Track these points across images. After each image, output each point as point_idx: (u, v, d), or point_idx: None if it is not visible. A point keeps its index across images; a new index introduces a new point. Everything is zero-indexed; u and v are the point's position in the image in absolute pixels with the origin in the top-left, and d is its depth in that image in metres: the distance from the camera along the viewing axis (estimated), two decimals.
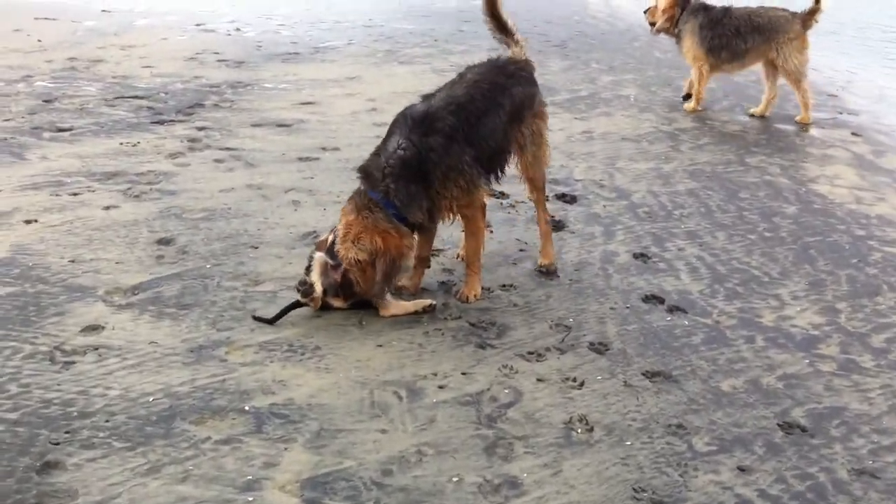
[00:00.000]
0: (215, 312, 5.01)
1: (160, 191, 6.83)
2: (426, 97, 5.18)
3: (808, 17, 9.14)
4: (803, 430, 4.18)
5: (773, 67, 9.46)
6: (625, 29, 14.83)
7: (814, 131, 9.32)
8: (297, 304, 5.00)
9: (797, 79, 9.41)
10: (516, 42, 5.71)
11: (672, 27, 9.88)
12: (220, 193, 6.82)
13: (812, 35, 9.21)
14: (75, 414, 4.03)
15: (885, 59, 13.69)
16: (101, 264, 5.54)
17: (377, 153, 5.00)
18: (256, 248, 5.89)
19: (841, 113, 10.12)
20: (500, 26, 5.76)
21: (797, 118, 9.61)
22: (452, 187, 4.97)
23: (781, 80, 9.58)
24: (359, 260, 4.85)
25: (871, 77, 12.30)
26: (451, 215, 5.22)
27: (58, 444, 3.81)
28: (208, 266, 5.58)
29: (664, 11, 9.89)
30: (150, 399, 4.16)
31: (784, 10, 9.36)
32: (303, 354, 4.62)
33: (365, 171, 4.99)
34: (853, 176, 7.91)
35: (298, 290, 5.00)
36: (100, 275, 5.39)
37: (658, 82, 11.00)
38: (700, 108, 9.89)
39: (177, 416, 4.03)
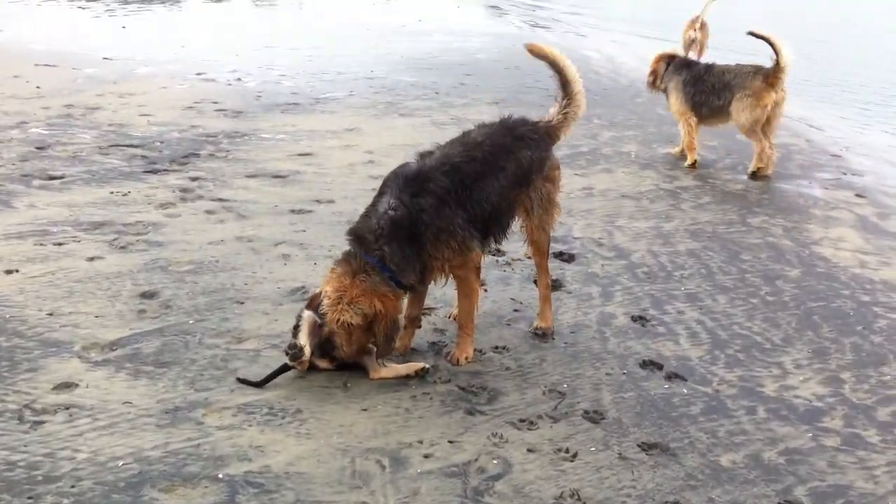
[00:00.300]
0: (195, 371, 4.82)
1: (147, 242, 6.68)
2: (423, 155, 5.04)
3: (773, 74, 9.12)
4: None
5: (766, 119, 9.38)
6: (627, 85, 14.79)
7: (817, 191, 9.17)
8: (285, 368, 4.81)
9: (748, 132, 9.44)
10: (564, 106, 5.49)
11: (658, 83, 10.12)
12: (208, 245, 6.66)
13: (782, 91, 9.20)
14: (40, 478, 3.84)
15: (890, 118, 13.61)
16: (80, 318, 5.36)
17: (367, 215, 4.84)
18: (242, 303, 5.71)
19: (845, 174, 9.98)
20: (563, 83, 5.53)
21: (750, 169, 9.69)
22: (444, 249, 4.82)
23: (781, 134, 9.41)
24: (350, 323, 4.67)
25: (875, 137, 12.19)
26: (443, 276, 5.05)
27: None
28: (191, 322, 5.41)
29: (650, 68, 10.19)
30: (120, 464, 3.96)
31: (753, 66, 9.40)
32: (283, 418, 4.42)
33: (356, 235, 4.82)
34: (857, 239, 7.74)
35: (287, 354, 4.80)
36: (78, 329, 5.22)
37: (659, 139, 10.89)
38: (697, 159, 9.87)
39: (146, 483, 3.84)
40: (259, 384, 4.70)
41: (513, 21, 24.55)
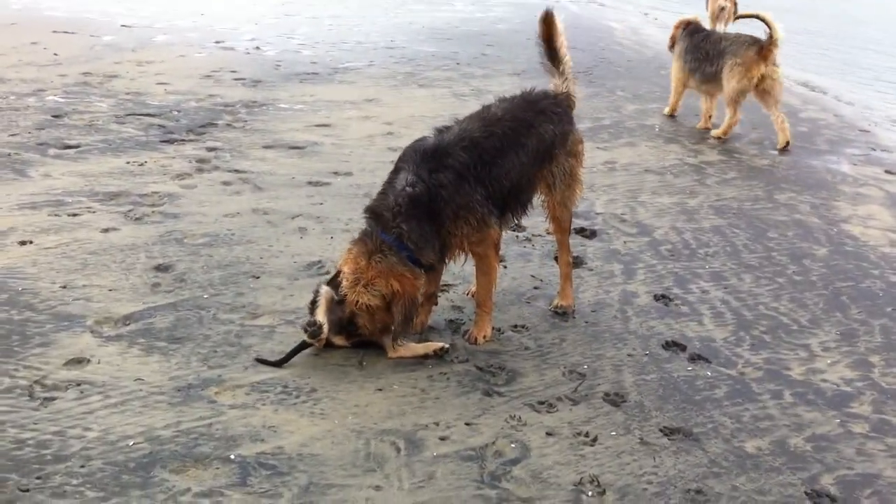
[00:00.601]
0: (208, 348, 4.73)
1: (163, 213, 6.58)
2: (441, 130, 4.89)
3: (767, 47, 9.24)
4: (833, 499, 3.85)
5: (762, 93, 9.50)
6: (651, 57, 14.52)
7: (845, 167, 8.97)
8: (304, 346, 4.70)
9: (729, 100, 9.58)
10: (561, 73, 5.35)
11: (672, 48, 10.49)
12: (224, 218, 6.56)
13: (774, 65, 9.32)
14: (49, 457, 3.75)
15: None
16: (94, 291, 5.28)
17: (384, 192, 4.71)
18: (258, 277, 5.61)
19: (874, 149, 9.76)
20: (552, 54, 5.37)
21: (713, 132, 9.98)
22: (463, 226, 4.69)
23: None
24: (369, 305, 4.57)
25: None
26: (462, 253, 4.93)
27: (27, 490, 3.54)
28: (205, 296, 5.31)
29: (671, 33, 10.58)
30: (131, 443, 3.87)
31: (750, 37, 9.48)
32: (297, 397, 4.33)
33: (374, 212, 4.70)
34: (887, 217, 7.55)
35: (306, 331, 4.70)
36: (91, 303, 5.13)
37: (684, 112, 10.68)
38: (675, 115, 10.62)
39: (157, 464, 3.75)
40: (278, 363, 4.61)
41: None
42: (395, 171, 4.75)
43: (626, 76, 12.69)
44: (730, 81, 9.39)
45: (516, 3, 20.92)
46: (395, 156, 8.25)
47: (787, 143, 9.42)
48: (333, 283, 4.82)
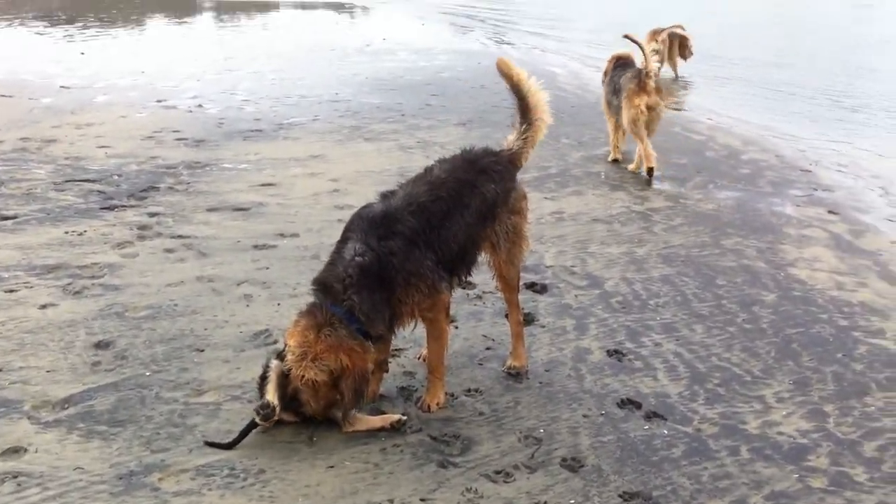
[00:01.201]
0: (150, 430, 4.57)
1: (103, 286, 6.41)
2: (385, 195, 4.82)
3: (641, 79, 9.76)
4: None
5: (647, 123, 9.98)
6: (594, 101, 14.60)
7: (789, 209, 9.05)
8: (254, 425, 4.55)
9: (631, 132, 10.03)
10: (522, 132, 5.30)
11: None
12: (167, 288, 6.41)
13: (653, 95, 9.78)
14: None
15: (859, 131, 13.56)
16: (31, 373, 5.10)
17: (333, 262, 4.61)
18: (202, 350, 5.46)
19: (816, 189, 9.88)
20: (521, 104, 5.32)
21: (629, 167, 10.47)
22: (414, 293, 4.61)
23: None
24: (315, 381, 4.44)
25: (845, 151, 12.11)
26: (412, 320, 4.84)
27: None
28: (147, 374, 5.15)
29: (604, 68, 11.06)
30: None
31: (636, 70, 9.98)
32: (245, 480, 4.18)
33: (322, 284, 4.59)
34: (832, 259, 7.61)
35: (258, 414, 4.54)
36: (28, 386, 4.95)
37: (629, 158, 10.77)
38: (618, 157, 10.78)
39: None
40: (228, 446, 4.45)
41: (478, 38, 24.43)
42: (343, 241, 4.65)
43: (570, 122, 12.78)
44: (623, 114, 9.98)
45: (459, 51, 21.07)
46: (342, 214, 8.21)
47: (642, 168, 10.02)
48: (282, 356, 4.70)
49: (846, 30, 26.60)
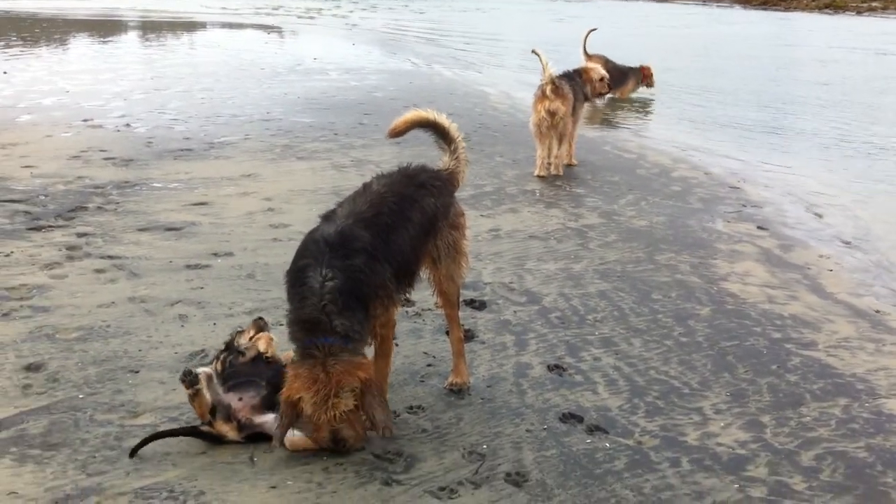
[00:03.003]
0: (86, 453, 4.44)
1: (32, 307, 6.23)
2: (327, 216, 4.72)
3: (542, 86, 10.72)
4: None
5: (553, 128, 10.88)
6: (526, 120, 14.77)
7: (720, 225, 9.23)
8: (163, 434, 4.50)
9: (537, 137, 10.97)
10: (452, 152, 5.37)
11: None
12: (98, 309, 6.25)
13: (554, 101, 10.63)
14: None
15: (785, 148, 13.91)
16: None
17: (303, 297, 4.37)
18: (137, 372, 5.33)
19: (745, 206, 10.09)
20: (442, 134, 5.42)
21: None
22: (379, 306, 4.55)
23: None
24: (349, 411, 4.34)
25: (772, 168, 12.41)
26: (372, 337, 4.76)
27: None
28: (81, 396, 5.01)
29: None
30: None
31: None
32: (184, 502, 4.08)
33: (305, 322, 4.36)
34: (763, 273, 7.77)
35: (182, 381, 4.54)
36: None
37: (564, 176, 10.87)
38: (543, 174, 11.17)
39: None
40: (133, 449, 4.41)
41: (408, 58, 24.49)
42: (301, 269, 4.43)
43: (504, 141, 12.87)
44: (530, 119, 10.97)
45: (391, 70, 21.09)
46: (277, 233, 8.13)
47: (544, 176, 10.91)
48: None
49: (762, 58, 27.36)
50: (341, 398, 4.29)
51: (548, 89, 10.62)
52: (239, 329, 5.28)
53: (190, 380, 4.49)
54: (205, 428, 4.57)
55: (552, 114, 10.63)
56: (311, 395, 4.28)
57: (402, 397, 5.21)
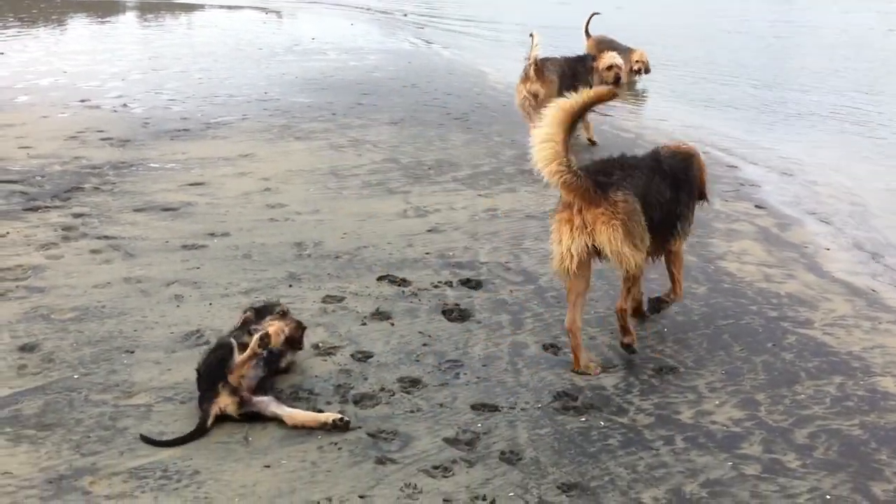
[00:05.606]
0: (80, 433, 4.45)
1: (27, 288, 6.23)
2: None
3: (526, 67, 10.87)
4: None
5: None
6: None
7: (717, 204, 9.19)
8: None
9: (523, 117, 11.04)
10: None
11: None
12: (94, 289, 6.25)
13: (535, 82, 10.73)
14: None
15: (785, 128, 13.86)
16: None
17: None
18: (132, 352, 5.34)
19: (742, 185, 10.07)
20: None
21: None
22: None
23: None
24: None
25: (770, 146, 12.36)
26: None
27: None
28: (76, 376, 5.02)
29: None
30: None
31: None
32: (179, 481, 4.09)
33: None
34: (760, 251, 7.76)
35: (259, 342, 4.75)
36: None
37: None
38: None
39: None
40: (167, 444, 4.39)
41: (407, 38, 24.36)
42: None
43: (502, 121, 12.82)
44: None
45: (390, 50, 20.99)
46: (274, 213, 8.14)
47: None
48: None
49: (765, 37, 27.20)
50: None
51: (531, 71, 10.77)
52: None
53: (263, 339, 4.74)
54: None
55: (534, 95, 10.69)
56: None
57: (398, 376, 5.21)
